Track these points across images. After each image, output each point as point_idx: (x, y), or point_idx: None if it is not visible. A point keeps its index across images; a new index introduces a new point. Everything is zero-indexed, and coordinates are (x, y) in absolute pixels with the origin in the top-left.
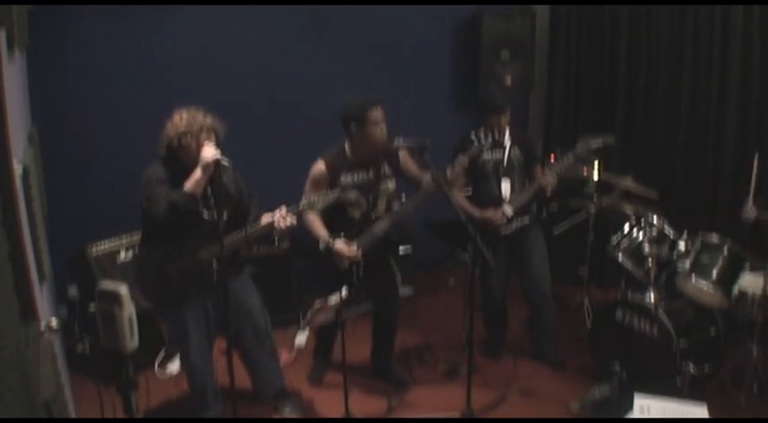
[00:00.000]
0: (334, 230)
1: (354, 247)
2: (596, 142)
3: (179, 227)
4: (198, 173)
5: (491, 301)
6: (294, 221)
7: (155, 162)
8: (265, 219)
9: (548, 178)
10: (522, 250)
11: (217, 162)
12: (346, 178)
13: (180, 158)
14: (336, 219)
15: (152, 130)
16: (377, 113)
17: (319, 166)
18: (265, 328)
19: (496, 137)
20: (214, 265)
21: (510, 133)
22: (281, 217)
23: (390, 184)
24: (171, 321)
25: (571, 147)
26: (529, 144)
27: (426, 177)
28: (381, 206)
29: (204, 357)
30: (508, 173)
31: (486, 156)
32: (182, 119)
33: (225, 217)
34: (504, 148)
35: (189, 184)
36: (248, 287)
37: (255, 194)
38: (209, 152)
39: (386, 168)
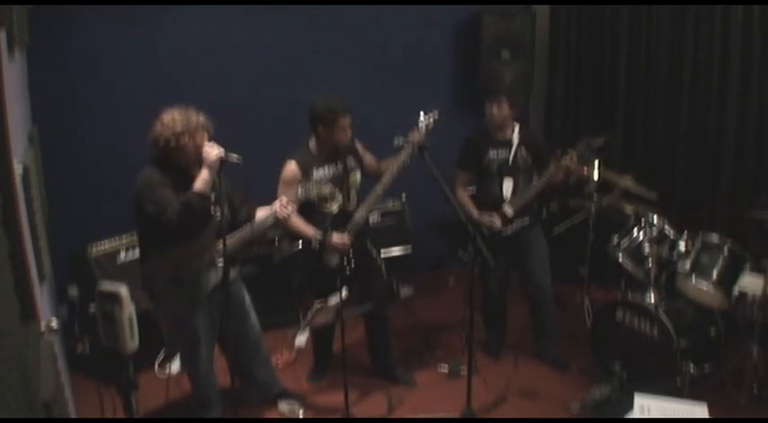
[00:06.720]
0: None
1: (345, 237)
2: (597, 141)
3: (191, 228)
4: (205, 172)
5: (490, 301)
6: (295, 209)
7: (147, 166)
8: (262, 212)
9: (568, 160)
10: (522, 251)
11: (221, 160)
12: (318, 173)
13: (175, 159)
14: (311, 217)
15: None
16: (345, 121)
17: (291, 167)
18: (260, 333)
19: (500, 133)
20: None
21: (518, 132)
22: (281, 206)
23: (358, 176)
24: (179, 325)
25: (572, 146)
26: (537, 144)
27: (399, 142)
28: (354, 197)
29: (210, 360)
30: (512, 172)
31: (492, 154)
32: (174, 119)
33: (228, 215)
34: (511, 147)
35: (198, 184)
36: (244, 290)
37: (241, 191)
38: (214, 150)
39: (351, 161)
